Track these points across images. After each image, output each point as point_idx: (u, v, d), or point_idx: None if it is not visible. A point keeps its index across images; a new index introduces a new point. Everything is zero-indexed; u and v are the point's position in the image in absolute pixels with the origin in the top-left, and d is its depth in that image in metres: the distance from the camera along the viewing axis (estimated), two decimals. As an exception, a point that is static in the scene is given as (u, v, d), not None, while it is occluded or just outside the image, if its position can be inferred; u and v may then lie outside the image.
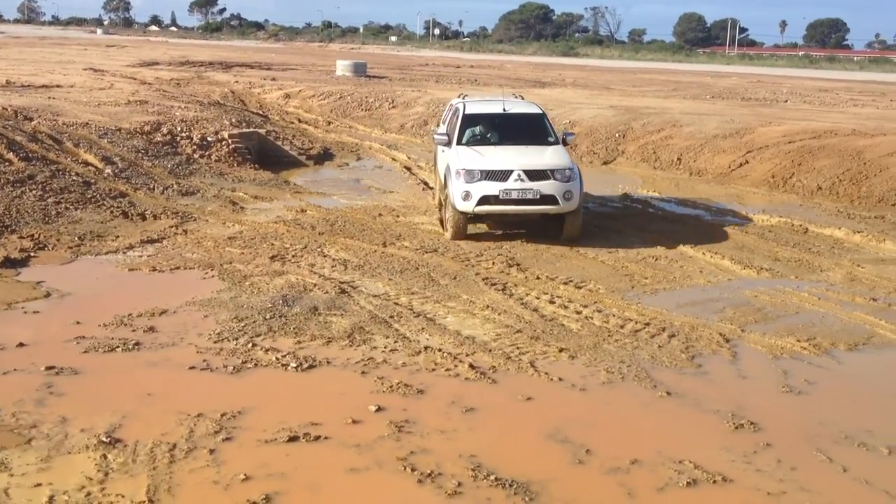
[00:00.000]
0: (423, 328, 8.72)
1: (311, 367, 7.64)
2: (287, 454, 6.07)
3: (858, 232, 13.81)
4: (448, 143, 13.17)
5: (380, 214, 14.01)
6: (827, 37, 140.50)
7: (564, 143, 13.42)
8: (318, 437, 6.32)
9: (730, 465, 6.22)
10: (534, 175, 12.05)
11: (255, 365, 7.62)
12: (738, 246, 12.79)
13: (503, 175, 12.01)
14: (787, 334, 9.02)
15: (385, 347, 8.17)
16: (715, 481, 5.97)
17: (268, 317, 8.77)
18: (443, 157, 13.43)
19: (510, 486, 5.75)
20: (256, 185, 16.31)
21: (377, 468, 5.94)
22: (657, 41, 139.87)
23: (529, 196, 11.97)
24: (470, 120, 13.47)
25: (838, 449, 6.52)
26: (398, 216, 14.00)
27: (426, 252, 11.69)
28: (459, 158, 12.47)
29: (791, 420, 7.06)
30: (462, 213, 12.13)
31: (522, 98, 15.71)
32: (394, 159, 20.94)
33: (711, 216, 15.10)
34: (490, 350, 8.22)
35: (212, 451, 6.06)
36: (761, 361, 8.34)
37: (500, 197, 11.94)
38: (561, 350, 8.28)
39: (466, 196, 11.95)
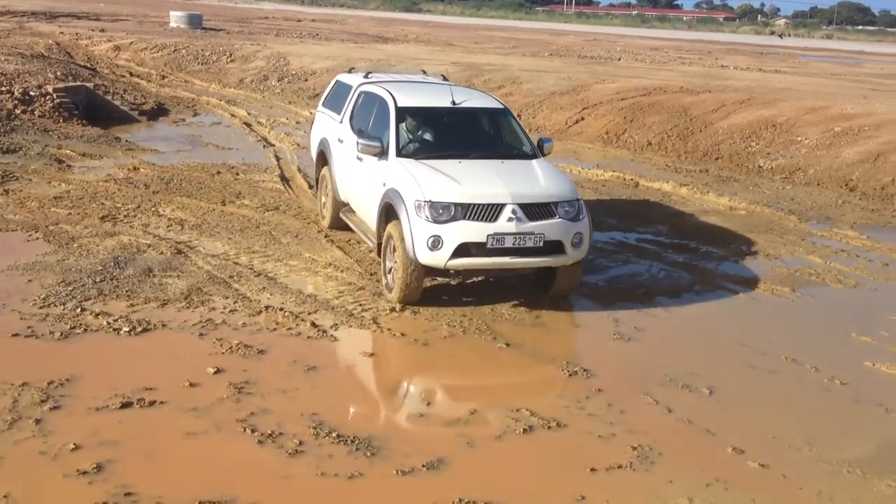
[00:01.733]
0: (263, 287, 8.57)
1: (145, 330, 7.37)
2: (120, 421, 5.85)
3: (685, 185, 14.54)
4: (382, 153, 8.89)
5: (218, 172, 13.60)
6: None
7: (543, 153, 9.43)
8: (152, 403, 6.12)
9: (564, 410, 6.46)
10: (533, 211, 8.09)
11: (85, 330, 7.28)
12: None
13: (491, 211, 7.96)
14: (617, 284, 9.41)
15: (224, 308, 7.98)
16: (550, 427, 6.19)
17: (98, 280, 8.38)
18: (361, 168, 9.42)
19: (352, 442, 5.76)
20: (84, 141, 15.47)
21: (216, 431, 5.82)
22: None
23: (530, 243, 8.02)
24: (405, 117, 9.20)
25: (664, 391, 6.89)
26: (238, 174, 13.63)
27: (267, 210, 11.45)
28: (414, 181, 8.21)
29: (621, 366, 7.40)
30: (426, 266, 8.14)
31: (445, 78, 11.44)
32: (233, 115, 20.34)
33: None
34: (332, 308, 8.18)
35: (38, 422, 5.76)
36: (594, 311, 8.68)
37: (489, 245, 7.96)
38: (404, 306, 8.33)
39: (436, 243, 7.90)
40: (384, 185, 8.63)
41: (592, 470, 5.64)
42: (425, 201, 7.98)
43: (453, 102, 9.45)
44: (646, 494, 5.37)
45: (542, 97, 21.73)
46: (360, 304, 8.32)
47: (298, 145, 16.69)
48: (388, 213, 8.50)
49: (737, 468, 5.77)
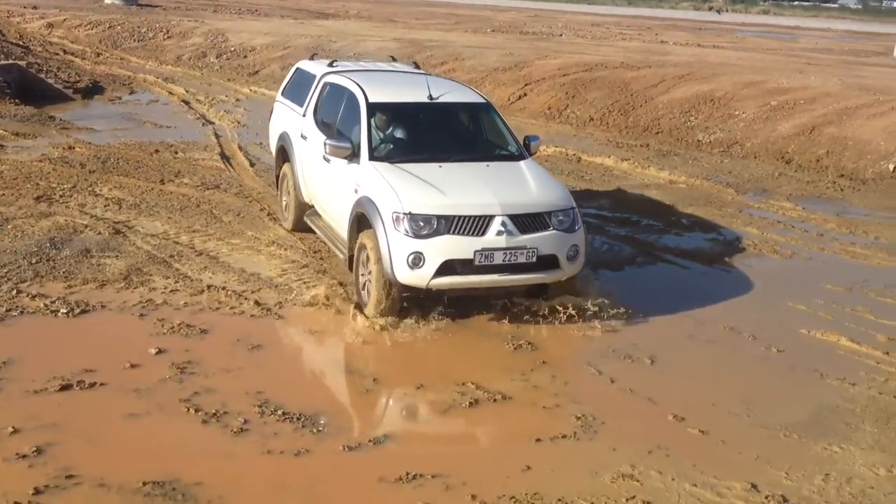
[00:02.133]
0: (205, 267, 8.46)
1: (83, 311, 7.23)
2: (59, 404, 5.75)
3: (626, 160, 14.69)
4: (353, 155, 8.01)
5: (156, 151, 13.35)
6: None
7: (530, 153, 8.62)
8: (93, 385, 6.01)
9: (509, 383, 6.51)
10: (525, 222, 7.34)
11: (21, 312, 7.12)
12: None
13: (479, 224, 7.18)
14: (561, 258, 9.48)
15: (165, 288, 7.86)
16: (495, 400, 6.24)
17: (34, 261, 8.19)
18: (328, 170, 8.49)
19: (298, 419, 5.74)
20: (17, 121, 15.06)
21: (158, 412, 5.75)
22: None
23: (522, 259, 7.28)
24: (376, 113, 8.31)
25: (606, 362, 6.98)
26: (177, 152, 13.40)
27: (208, 188, 11.29)
28: (391, 189, 7.38)
29: (564, 338, 7.46)
30: (405, 285, 7.33)
31: (417, 66, 10.60)
32: (171, 93, 19.99)
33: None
34: (276, 286, 8.11)
35: (-26, 407, 5.64)
36: (538, 284, 8.72)
37: (476, 262, 7.19)
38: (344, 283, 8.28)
39: (417, 261, 7.12)
40: (356, 191, 7.77)
41: (538, 440, 5.70)
42: (404, 213, 7.15)
43: (430, 97, 8.49)
44: (590, 463, 5.45)
45: (485, 73, 21.72)
46: (304, 282, 8.26)
47: (238, 123, 16.49)
48: (361, 223, 7.67)
49: (678, 435, 5.88)
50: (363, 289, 7.67)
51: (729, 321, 7.92)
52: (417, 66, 10.54)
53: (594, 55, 24.26)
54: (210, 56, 26.11)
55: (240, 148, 14.11)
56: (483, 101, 9.06)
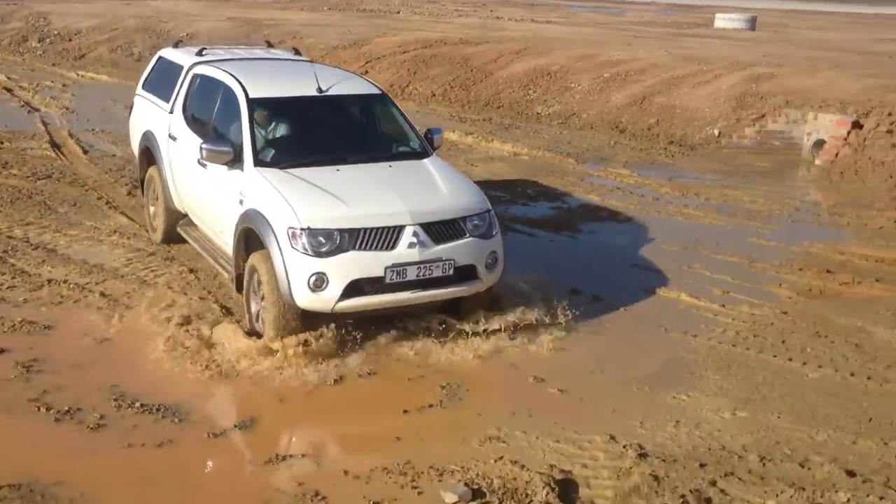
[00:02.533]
0: (43, 260, 8.05)
1: (-89, 316, 6.76)
2: None
3: (470, 134, 14.94)
4: (235, 160, 6.98)
5: (-21, 141, 12.55)
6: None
7: (433, 147, 7.85)
8: (-70, 391, 5.66)
9: (372, 358, 6.50)
10: (439, 231, 6.56)
11: None
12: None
13: (388, 236, 6.37)
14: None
15: (1, 285, 7.44)
16: (360, 376, 6.26)
17: None
18: (205, 175, 7.45)
19: (157, 410, 5.58)
20: None
21: (6, 414, 5.45)
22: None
23: (438, 272, 6.53)
24: (259, 110, 7.35)
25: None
26: (2, 142, 12.62)
27: (39, 179, 10.71)
28: (284, 201, 6.45)
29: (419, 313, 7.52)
30: (305, 310, 6.44)
31: (298, 52, 9.60)
32: (-10, 80, 18.79)
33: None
34: (122, 276, 7.81)
35: None
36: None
37: (388, 280, 6.40)
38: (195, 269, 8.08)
39: (319, 283, 6.24)
40: (241, 202, 6.81)
41: (405, 412, 5.77)
42: (302, 229, 6.24)
43: (320, 89, 7.51)
44: (457, 429, 5.57)
45: (325, 52, 21.50)
46: (153, 271, 8.00)
47: (67, 109, 15.72)
48: (251, 239, 6.76)
49: (538, 396, 6.09)
50: (257, 319, 6.78)
51: (577, 284, 8.18)
52: (298, 53, 9.55)
53: (433, 32, 24.45)
54: (32, 40, 24.69)
55: (70, 135, 13.44)
56: (379, 91, 8.13)
